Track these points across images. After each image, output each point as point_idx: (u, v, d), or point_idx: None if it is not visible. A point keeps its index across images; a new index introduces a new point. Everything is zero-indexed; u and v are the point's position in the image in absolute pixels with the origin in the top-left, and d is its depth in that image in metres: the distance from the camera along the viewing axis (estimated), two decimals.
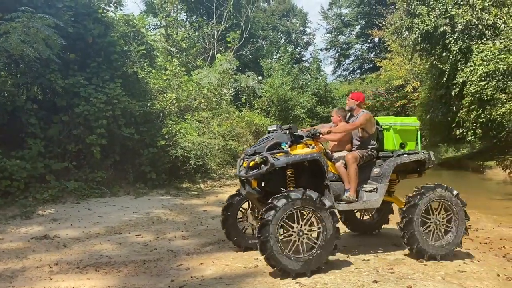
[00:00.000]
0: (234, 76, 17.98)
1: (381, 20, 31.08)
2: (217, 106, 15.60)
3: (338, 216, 5.91)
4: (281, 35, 42.23)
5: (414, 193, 4.94)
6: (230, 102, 17.87)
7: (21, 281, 4.49)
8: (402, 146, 5.29)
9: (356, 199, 4.90)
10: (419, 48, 18.58)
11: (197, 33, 22.04)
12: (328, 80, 29.83)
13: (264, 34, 33.92)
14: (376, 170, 5.11)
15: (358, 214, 6.32)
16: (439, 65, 17.85)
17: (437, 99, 20.94)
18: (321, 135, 4.85)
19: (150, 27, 20.23)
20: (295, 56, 31.69)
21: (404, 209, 4.88)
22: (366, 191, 4.97)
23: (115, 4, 12.38)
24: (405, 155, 5.14)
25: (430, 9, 17.05)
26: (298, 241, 4.28)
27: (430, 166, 5.30)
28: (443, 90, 19.51)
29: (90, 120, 9.73)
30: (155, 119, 12.04)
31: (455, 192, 4.96)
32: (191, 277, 4.52)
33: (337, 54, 47.29)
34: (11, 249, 5.66)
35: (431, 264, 4.75)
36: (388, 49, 29.57)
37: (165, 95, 13.65)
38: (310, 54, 46.18)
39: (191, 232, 6.69)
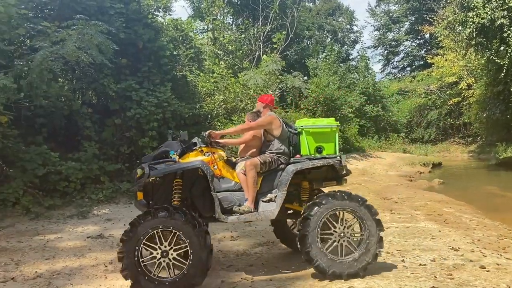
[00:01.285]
0: (280, 76, 17.92)
1: (432, 15, 30.01)
2: None
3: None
4: (327, 34, 41.74)
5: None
6: (276, 103, 17.81)
7: (78, 278, 4.67)
8: (319, 150, 4.66)
9: (254, 210, 4.40)
10: (474, 42, 17.68)
11: (243, 35, 22.17)
12: (376, 79, 29.06)
13: (309, 33, 33.60)
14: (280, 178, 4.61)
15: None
16: (496, 60, 16.91)
17: (495, 96, 19.87)
18: (211, 139, 4.53)
19: (197, 31, 20.63)
20: (341, 55, 31.18)
21: (306, 207, 4.41)
22: (263, 201, 4.49)
23: (164, 9, 12.66)
24: (308, 160, 4.57)
25: (486, 1, 16.19)
26: (164, 262, 3.93)
27: (344, 172, 4.68)
28: (501, 87, 18.49)
29: (141, 122, 10.00)
30: (204, 121, 12.23)
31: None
32: (241, 278, 4.51)
33: (386, 51, 46.16)
34: (69, 248, 5.89)
35: (494, 270, 4.47)
36: (440, 45, 28.44)
37: (212, 97, 13.84)
38: (358, 52, 45.30)
39: (240, 233, 6.69)
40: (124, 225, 7.22)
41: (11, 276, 4.69)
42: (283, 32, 20.22)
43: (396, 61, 46.23)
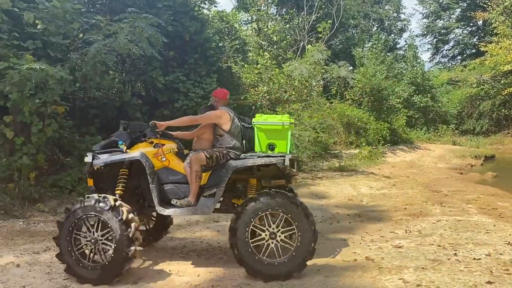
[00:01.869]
0: (325, 66, 17.66)
1: (486, 1, 28.54)
2: (308, 98, 15.46)
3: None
4: (373, 22, 40.57)
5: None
6: (320, 93, 17.62)
7: None
8: (271, 147, 4.56)
9: (194, 204, 4.39)
10: None
11: (287, 26, 22.03)
12: (425, 68, 28.03)
13: (355, 22, 32.92)
14: None
15: None
16: None
17: None
18: (156, 129, 4.51)
19: (242, 22, 20.67)
20: (388, 44, 30.26)
21: (240, 204, 4.26)
22: (204, 196, 4.46)
23: (210, 1, 12.78)
24: (251, 158, 4.43)
25: None
26: (94, 249, 4.10)
27: (289, 171, 4.37)
28: None
29: (189, 114, 10.19)
30: (248, 112, 12.31)
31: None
32: None
33: (435, 40, 44.36)
34: None
35: None
36: (495, 31, 27.00)
37: (256, 88, 13.88)
38: (405, 41, 44.05)
39: None
40: None
41: None
42: (329, 21, 19.90)
43: (446, 50, 44.37)
